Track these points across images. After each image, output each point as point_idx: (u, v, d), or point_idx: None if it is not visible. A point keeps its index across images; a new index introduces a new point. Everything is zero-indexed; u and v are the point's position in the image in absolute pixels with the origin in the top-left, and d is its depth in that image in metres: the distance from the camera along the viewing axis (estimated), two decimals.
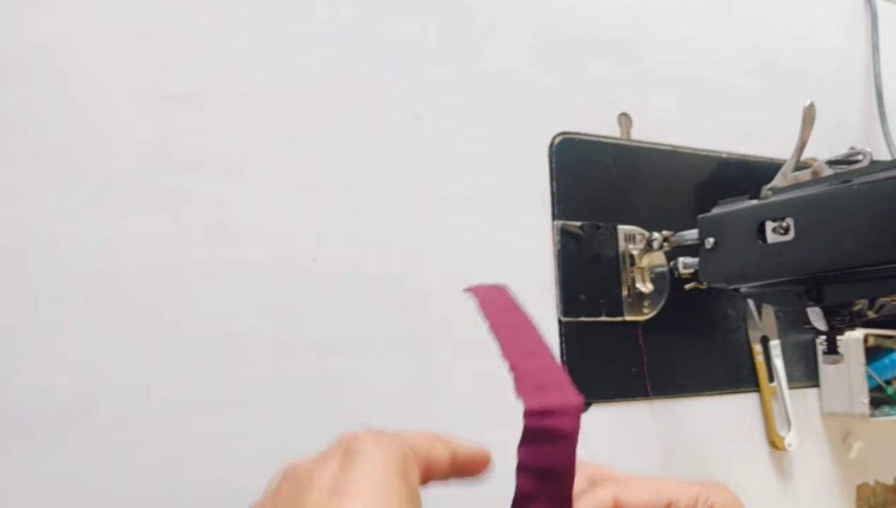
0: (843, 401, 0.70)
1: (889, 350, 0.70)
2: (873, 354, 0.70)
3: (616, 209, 0.64)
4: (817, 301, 0.51)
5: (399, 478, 0.22)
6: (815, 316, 0.53)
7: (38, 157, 0.44)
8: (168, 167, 0.47)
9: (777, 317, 0.70)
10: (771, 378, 0.69)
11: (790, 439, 0.68)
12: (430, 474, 0.25)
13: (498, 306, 0.27)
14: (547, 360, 0.25)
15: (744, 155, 0.71)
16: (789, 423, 0.68)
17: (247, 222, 0.49)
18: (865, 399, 0.68)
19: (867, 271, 0.47)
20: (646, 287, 0.63)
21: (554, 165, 0.61)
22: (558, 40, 0.63)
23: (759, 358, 0.68)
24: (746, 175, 0.70)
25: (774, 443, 0.68)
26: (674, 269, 0.61)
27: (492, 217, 0.58)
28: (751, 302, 0.69)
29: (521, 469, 0.23)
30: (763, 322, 0.69)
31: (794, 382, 0.71)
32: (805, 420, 0.71)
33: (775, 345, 0.69)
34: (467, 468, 0.27)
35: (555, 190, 0.61)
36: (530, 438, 0.23)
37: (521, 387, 0.24)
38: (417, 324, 0.53)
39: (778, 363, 0.69)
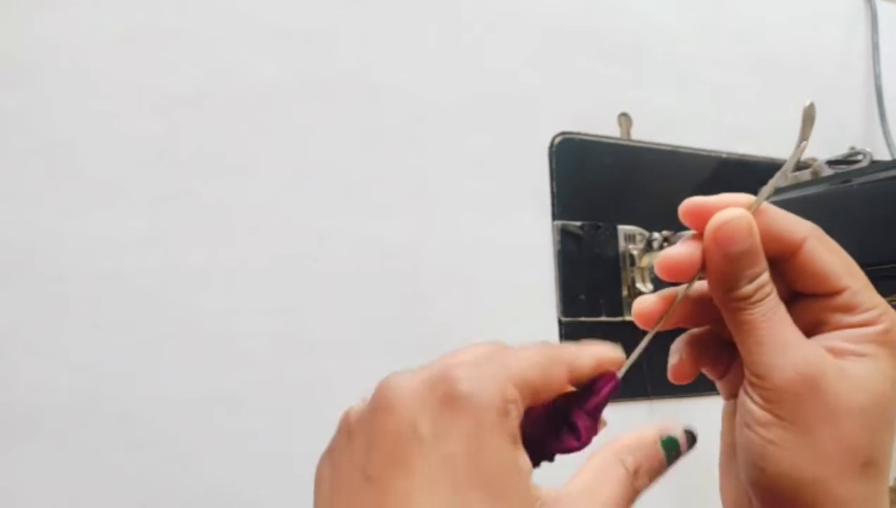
0: None
1: None
2: None
3: (616, 209, 0.64)
4: None
5: (501, 432, 0.20)
6: None
7: (39, 157, 0.44)
8: (168, 167, 0.47)
9: None
10: None
11: None
12: (537, 399, 0.22)
13: None
14: None
15: (744, 155, 0.71)
16: None
17: (247, 222, 0.49)
18: None
19: (867, 270, 0.47)
20: (646, 287, 0.63)
21: (554, 165, 0.61)
22: (558, 40, 0.63)
23: None
24: (746, 175, 0.70)
25: None
26: None
27: (492, 217, 0.58)
28: None
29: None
30: None
31: None
32: None
33: None
34: (588, 376, 0.25)
35: (555, 190, 0.61)
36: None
37: None
38: (417, 324, 0.53)
39: None
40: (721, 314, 0.27)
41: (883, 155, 0.76)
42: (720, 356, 0.29)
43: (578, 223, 0.62)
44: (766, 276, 0.27)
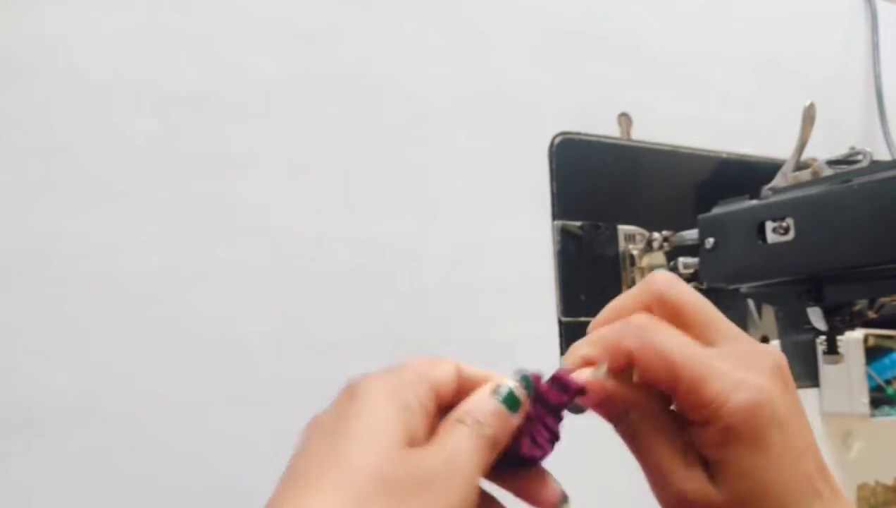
0: (843, 401, 0.70)
1: (889, 350, 0.70)
2: (873, 354, 0.70)
3: (616, 209, 0.64)
4: (817, 301, 0.51)
5: (396, 403, 0.24)
6: (816, 316, 0.53)
7: (38, 156, 0.44)
8: (168, 167, 0.47)
9: (777, 317, 0.70)
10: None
11: None
12: (441, 391, 0.26)
13: None
14: None
15: (744, 155, 0.71)
16: None
17: (247, 222, 0.49)
18: (865, 399, 0.68)
19: (867, 270, 0.47)
20: None
21: (554, 165, 0.61)
22: (558, 40, 0.63)
23: None
24: (746, 175, 0.70)
25: None
26: (674, 269, 0.61)
27: (492, 217, 0.58)
28: (751, 302, 0.69)
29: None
30: (763, 322, 0.69)
31: (794, 382, 0.71)
32: None
33: (775, 345, 0.69)
34: (476, 385, 0.27)
35: (555, 190, 0.61)
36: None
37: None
38: (417, 324, 0.53)
39: None
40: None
41: (883, 155, 0.76)
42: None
43: (578, 223, 0.61)
44: (633, 415, 0.28)
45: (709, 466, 0.26)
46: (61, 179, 0.44)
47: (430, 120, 0.56)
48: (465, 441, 0.24)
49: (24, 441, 0.41)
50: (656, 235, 0.62)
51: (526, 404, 0.27)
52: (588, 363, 0.28)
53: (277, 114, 0.51)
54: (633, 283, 0.63)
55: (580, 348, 0.29)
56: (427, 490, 0.22)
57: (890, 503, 0.75)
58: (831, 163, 0.51)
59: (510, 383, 0.27)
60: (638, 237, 0.63)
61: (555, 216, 0.61)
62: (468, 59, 0.59)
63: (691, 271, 0.59)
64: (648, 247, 0.62)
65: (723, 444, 0.26)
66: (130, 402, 0.44)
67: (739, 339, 0.28)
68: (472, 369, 0.28)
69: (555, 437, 0.28)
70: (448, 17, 0.59)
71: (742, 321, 0.69)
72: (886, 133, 0.78)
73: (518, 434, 0.27)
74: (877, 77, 0.81)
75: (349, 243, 0.50)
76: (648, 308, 0.29)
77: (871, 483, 0.75)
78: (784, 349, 0.71)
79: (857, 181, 0.47)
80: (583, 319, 0.61)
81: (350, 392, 0.25)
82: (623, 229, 0.63)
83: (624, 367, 0.28)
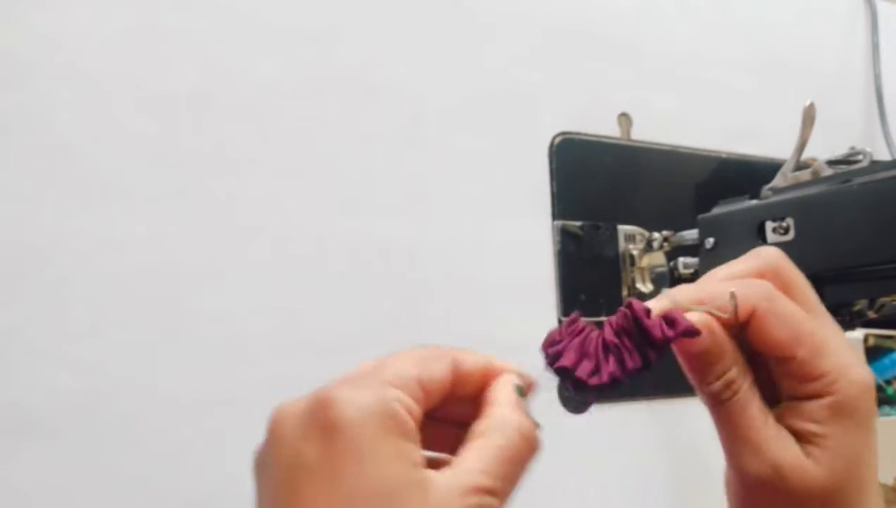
0: None
1: (889, 350, 0.70)
2: (873, 354, 0.70)
3: (616, 209, 0.64)
4: None
5: (395, 437, 0.21)
6: None
7: (38, 156, 0.44)
8: (168, 167, 0.47)
9: None
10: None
11: None
12: (431, 394, 0.23)
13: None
14: None
15: (744, 155, 0.71)
16: None
17: (247, 222, 0.49)
18: None
19: (867, 270, 0.47)
20: (646, 287, 0.63)
21: (554, 165, 0.61)
22: (558, 40, 0.63)
23: None
24: (746, 175, 0.70)
25: None
26: (674, 269, 0.61)
27: (492, 217, 0.58)
28: None
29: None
30: None
31: None
32: None
33: None
34: (478, 379, 0.25)
35: (555, 190, 0.61)
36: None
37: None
38: (417, 324, 0.53)
39: None
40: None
41: (883, 155, 0.76)
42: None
43: (578, 223, 0.61)
44: (733, 373, 0.26)
45: (803, 442, 0.25)
46: (61, 179, 0.44)
47: (430, 120, 0.56)
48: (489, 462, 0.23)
49: (24, 441, 0.41)
50: (656, 235, 0.62)
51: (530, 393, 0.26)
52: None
53: (277, 114, 0.51)
54: (633, 283, 0.63)
55: (693, 291, 0.27)
56: None
57: (890, 502, 0.75)
58: (831, 163, 0.51)
59: (519, 382, 0.26)
60: (638, 237, 0.63)
61: (555, 216, 0.61)
62: (468, 59, 0.59)
63: (691, 271, 0.59)
64: (648, 247, 0.62)
65: (830, 419, 0.25)
66: (130, 402, 0.44)
67: (837, 327, 0.27)
68: (470, 359, 0.26)
69: (644, 366, 0.26)
70: (448, 17, 0.59)
71: None
72: (886, 133, 0.78)
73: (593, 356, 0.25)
74: (877, 77, 0.81)
75: (349, 243, 0.50)
76: (762, 277, 0.27)
77: None
78: None
79: (857, 181, 0.47)
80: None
81: (330, 427, 0.21)
82: (623, 228, 0.63)
83: (739, 324, 0.26)
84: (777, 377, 0.27)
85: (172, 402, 0.45)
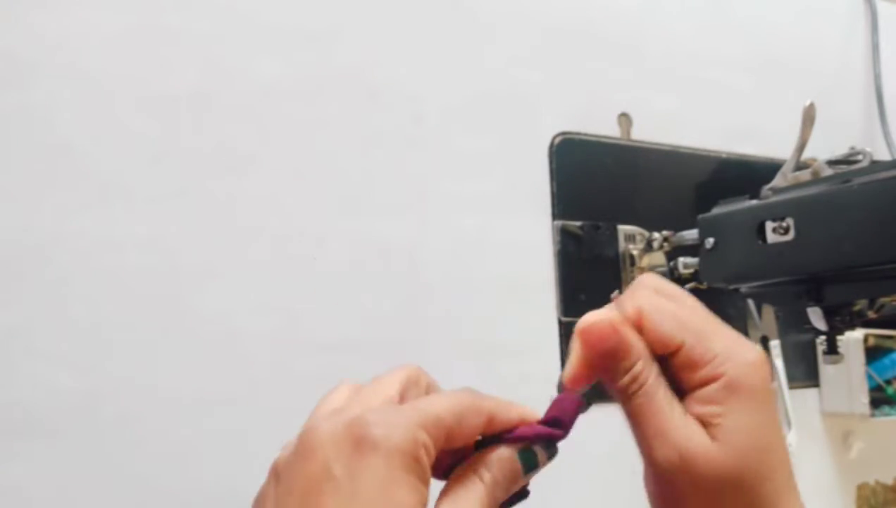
0: (843, 401, 0.70)
1: (889, 350, 0.70)
2: (873, 354, 0.70)
3: (616, 209, 0.64)
4: (817, 301, 0.51)
5: (407, 473, 0.22)
6: (816, 316, 0.53)
7: (39, 157, 0.44)
8: (168, 167, 0.47)
9: (777, 317, 0.70)
10: (771, 378, 0.69)
11: (790, 438, 0.67)
12: (453, 443, 0.24)
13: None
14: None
15: (744, 155, 0.71)
16: (789, 423, 0.68)
17: (247, 222, 0.49)
18: (865, 399, 0.68)
19: (867, 270, 0.47)
20: None
21: (554, 166, 0.61)
22: (558, 40, 0.63)
23: None
24: (746, 175, 0.70)
25: None
26: (674, 269, 0.61)
27: (492, 217, 0.58)
28: (751, 302, 0.69)
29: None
30: (763, 322, 0.69)
31: (794, 382, 0.71)
32: (805, 420, 0.71)
33: (775, 345, 0.69)
34: (505, 430, 0.26)
35: (555, 190, 0.61)
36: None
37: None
38: (417, 324, 0.53)
39: (778, 363, 0.69)
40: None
41: (883, 155, 0.76)
42: None
43: (578, 223, 0.61)
44: (639, 366, 0.27)
45: (708, 427, 0.26)
46: (62, 179, 0.44)
47: (430, 120, 0.56)
48: (479, 503, 0.24)
49: (24, 441, 0.41)
50: (656, 235, 0.62)
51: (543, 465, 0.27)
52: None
53: (278, 114, 0.51)
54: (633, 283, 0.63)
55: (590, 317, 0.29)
56: None
57: (890, 502, 0.75)
58: (831, 163, 0.51)
59: (535, 447, 0.26)
60: (638, 237, 0.63)
61: (555, 216, 0.61)
62: (468, 59, 0.59)
63: (691, 271, 0.59)
64: (648, 247, 0.62)
65: (727, 399, 0.26)
66: (130, 402, 0.44)
67: (719, 320, 0.28)
68: (505, 416, 0.26)
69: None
70: (448, 17, 0.59)
71: (742, 320, 0.69)
72: (886, 133, 0.78)
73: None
74: (877, 77, 0.81)
75: (349, 243, 0.50)
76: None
77: (871, 482, 0.75)
78: (784, 349, 0.71)
79: (857, 181, 0.47)
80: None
81: (361, 443, 0.22)
82: (623, 228, 0.63)
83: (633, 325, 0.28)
84: (676, 373, 0.28)
85: (172, 402, 0.45)
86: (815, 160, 0.52)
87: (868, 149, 0.50)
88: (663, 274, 0.64)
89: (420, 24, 0.57)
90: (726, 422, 0.26)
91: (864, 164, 0.49)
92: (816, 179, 0.51)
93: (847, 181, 0.47)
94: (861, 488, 0.74)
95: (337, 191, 0.52)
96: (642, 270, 0.63)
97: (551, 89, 0.62)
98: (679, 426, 0.26)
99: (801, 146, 0.54)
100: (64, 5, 0.45)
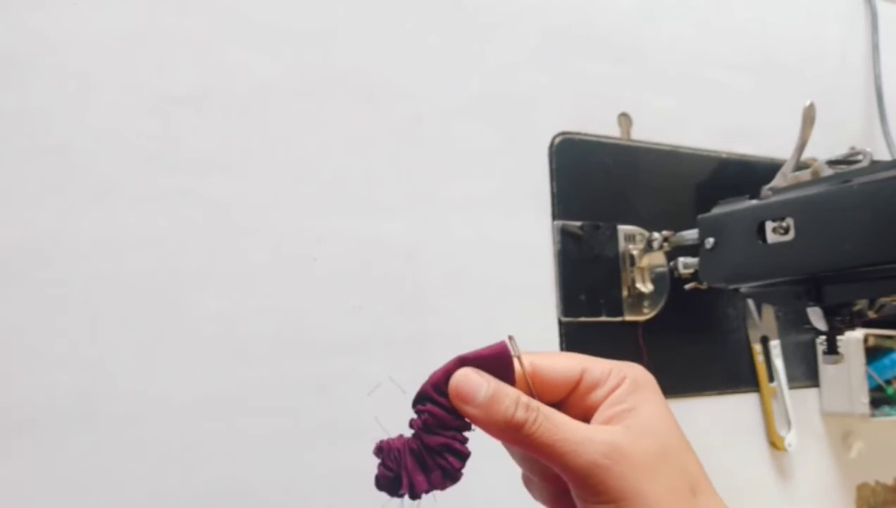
0: (843, 401, 0.70)
1: (889, 350, 0.70)
2: (873, 354, 0.70)
3: (616, 209, 0.64)
4: (817, 301, 0.51)
5: None
6: (816, 316, 0.53)
7: (38, 157, 0.44)
8: (168, 167, 0.47)
9: (777, 317, 0.70)
10: (771, 378, 0.69)
11: (790, 439, 0.67)
12: None
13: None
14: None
15: (744, 155, 0.71)
16: (789, 423, 0.68)
17: (247, 222, 0.49)
18: (865, 399, 0.68)
19: (867, 270, 0.47)
20: (646, 287, 0.63)
21: (554, 166, 0.61)
22: (558, 41, 0.63)
23: (760, 358, 0.68)
24: (746, 175, 0.70)
25: (774, 443, 0.67)
26: (674, 269, 0.61)
27: (492, 217, 0.58)
28: (751, 302, 0.69)
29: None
30: (763, 322, 0.69)
31: (794, 382, 0.71)
32: (805, 420, 0.71)
33: (775, 345, 0.69)
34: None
35: (555, 190, 0.61)
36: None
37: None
38: (417, 324, 0.53)
39: (778, 362, 0.69)
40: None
41: (883, 155, 0.76)
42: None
43: (578, 223, 0.61)
44: (524, 396, 0.30)
45: (620, 423, 0.30)
46: (61, 180, 0.44)
47: (430, 120, 0.56)
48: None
49: (24, 441, 0.41)
50: (656, 235, 0.62)
51: None
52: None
53: (277, 114, 0.51)
54: (632, 283, 0.63)
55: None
56: None
57: (890, 502, 0.75)
58: (831, 163, 0.51)
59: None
60: (638, 237, 0.63)
61: (555, 216, 0.61)
62: (468, 60, 0.59)
63: (691, 271, 0.59)
64: (648, 247, 0.62)
65: (632, 395, 0.31)
66: (130, 402, 0.44)
67: None
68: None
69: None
70: (448, 17, 0.59)
71: (742, 320, 0.69)
72: (886, 133, 0.78)
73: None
74: (877, 77, 0.81)
75: (349, 243, 0.50)
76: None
77: (871, 482, 0.75)
78: (784, 349, 0.71)
79: (857, 181, 0.47)
80: (583, 319, 0.61)
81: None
82: (623, 228, 0.63)
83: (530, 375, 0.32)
84: (582, 398, 0.31)
85: (172, 402, 0.45)
86: (815, 160, 0.52)
87: (868, 149, 0.50)
88: (663, 274, 0.64)
89: (420, 25, 0.57)
90: (639, 412, 0.30)
91: (864, 164, 0.49)
92: (816, 180, 0.51)
93: (847, 181, 0.47)
94: (861, 488, 0.74)
95: (337, 191, 0.52)
96: (642, 270, 0.63)
97: (551, 89, 0.62)
98: (592, 430, 0.29)
99: (801, 146, 0.54)
100: (64, 6, 0.45)
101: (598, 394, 0.30)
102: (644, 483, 0.28)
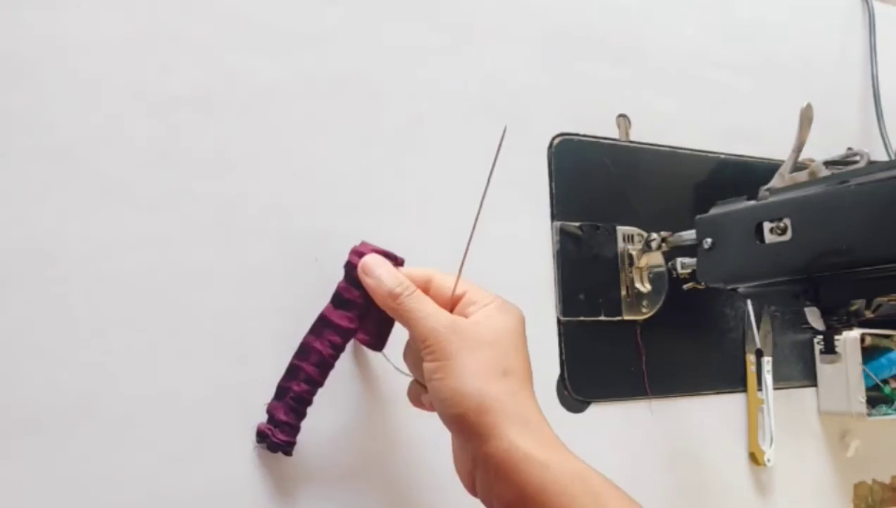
0: (840, 400, 0.70)
1: (886, 350, 0.71)
2: (870, 353, 0.70)
3: (615, 210, 0.64)
4: (815, 301, 0.51)
5: None
6: (813, 316, 0.53)
7: (40, 157, 0.44)
8: (169, 168, 0.47)
9: (774, 317, 0.71)
10: (760, 388, 0.68)
11: (769, 454, 0.67)
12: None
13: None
14: None
15: (742, 156, 0.72)
16: (771, 439, 0.67)
17: (248, 223, 0.49)
18: (862, 399, 0.68)
19: (864, 271, 0.47)
20: (644, 287, 0.63)
21: (553, 166, 0.61)
22: (557, 41, 0.64)
23: (752, 368, 0.68)
24: (744, 176, 0.70)
25: (755, 456, 0.67)
26: (672, 269, 0.62)
27: (491, 218, 0.58)
28: (750, 312, 0.69)
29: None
30: (760, 335, 0.69)
31: (791, 381, 0.71)
32: (802, 420, 0.72)
33: (767, 361, 0.69)
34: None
35: (554, 191, 0.61)
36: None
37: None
38: None
39: (768, 378, 0.68)
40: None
41: (880, 156, 0.77)
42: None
43: (577, 224, 0.62)
44: (406, 279, 0.42)
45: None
46: (62, 181, 0.44)
47: (429, 121, 0.57)
48: None
49: (25, 441, 0.42)
50: (654, 235, 0.62)
51: None
52: None
53: (278, 114, 0.51)
54: (631, 283, 0.63)
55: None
56: None
57: (887, 501, 0.76)
58: (829, 163, 0.51)
59: None
60: (636, 237, 0.64)
61: (554, 217, 0.61)
62: (468, 61, 0.59)
63: (689, 271, 0.60)
64: (647, 247, 0.63)
65: (477, 300, 0.43)
66: (130, 402, 0.44)
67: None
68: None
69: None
70: (448, 18, 0.59)
71: (740, 321, 0.69)
72: (884, 134, 0.78)
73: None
74: (874, 78, 0.81)
75: (349, 244, 0.50)
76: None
77: (868, 481, 0.75)
78: (782, 348, 0.71)
79: (854, 182, 0.47)
80: (582, 318, 0.61)
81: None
82: (622, 229, 0.64)
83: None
84: (464, 311, 0.43)
85: (173, 402, 0.45)
86: (812, 161, 0.52)
87: (865, 150, 0.50)
88: (661, 274, 0.64)
89: (420, 25, 0.58)
90: (490, 318, 0.41)
91: (862, 164, 0.50)
92: (814, 180, 0.51)
93: (844, 182, 0.48)
94: (858, 487, 0.74)
95: (337, 191, 0.52)
96: (640, 270, 0.63)
97: (550, 90, 0.62)
98: (444, 312, 0.41)
99: (799, 147, 0.54)
100: (65, 6, 0.45)
101: (472, 308, 0.41)
102: (464, 352, 0.38)
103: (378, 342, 0.46)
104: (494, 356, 0.38)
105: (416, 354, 0.42)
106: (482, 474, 0.37)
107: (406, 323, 0.40)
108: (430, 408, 0.42)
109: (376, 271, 0.43)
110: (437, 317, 0.39)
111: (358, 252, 0.45)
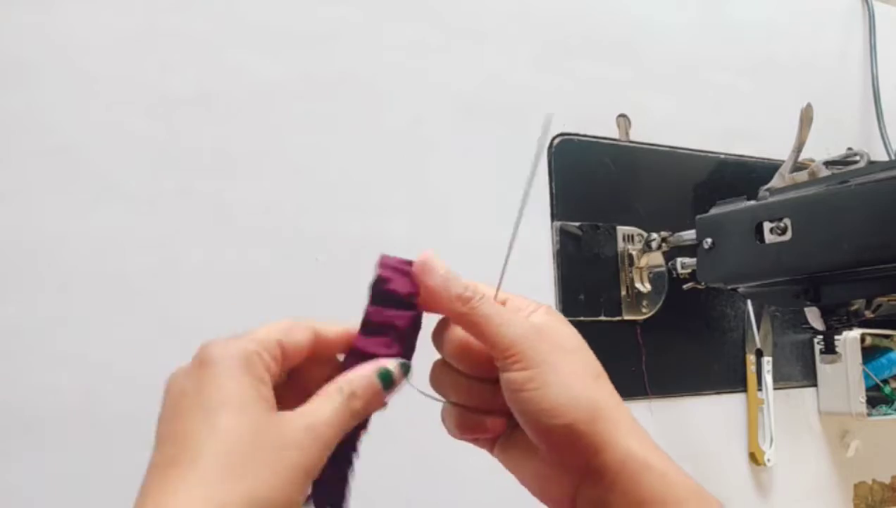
0: (840, 400, 0.70)
1: (886, 350, 0.71)
2: (870, 353, 0.70)
3: (615, 210, 0.64)
4: (815, 301, 0.51)
5: (243, 373, 0.28)
6: (813, 316, 0.53)
7: (41, 157, 0.44)
8: (170, 168, 0.47)
9: (773, 327, 0.70)
10: (760, 388, 0.68)
11: (770, 454, 0.67)
12: (290, 356, 0.31)
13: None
14: None
15: (741, 156, 0.72)
16: (771, 439, 0.67)
17: (249, 223, 0.49)
18: (862, 399, 0.68)
19: (864, 271, 0.47)
20: (644, 287, 0.63)
21: (553, 166, 0.61)
22: (558, 42, 0.64)
23: (752, 368, 0.68)
24: (744, 176, 0.70)
25: (755, 456, 0.67)
26: (672, 269, 0.62)
27: (491, 217, 0.58)
28: (751, 313, 0.69)
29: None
30: (760, 335, 0.69)
31: (791, 381, 0.71)
32: (803, 420, 0.72)
33: (768, 361, 0.69)
34: (338, 344, 0.34)
35: (554, 191, 0.61)
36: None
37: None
38: None
39: (768, 378, 0.68)
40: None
41: (880, 155, 0.77)
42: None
43: (577, 224, 0.62)
44: (474, 282, 0.36)
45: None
46: (63, 180, 0.44)
47: (430, 121, 0.57)
48: (331, 410, 0.29)
49: (24, 441, 0.42)
50: (654, 235, 0.62)
51: (400, 385, 0.32)
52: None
53: (278, 115, 0.51)
54: (631, 282, 0.63)
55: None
56: (288, 451, 0.27)
57: (887, 501, 0.76)
58: (829, 164, 0.51)
59: (390, 365, 0.32)
60: (636, 237, 0.64)
61: (554, 217, 0.61)
62: (468, 62, 0.59)
63: (689, 271, 0.60)
64: (647, 247, 0.63)
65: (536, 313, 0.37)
66: (130, 402, 0.44)
67: None
68: (332, 328, 0.34)
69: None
70: (448, 19, 0.59)
71: (740, 320, 0.69)
72: (883, 134, 0.78)
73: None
74: (874, 78, 0.81)
75: (349, 243, 0.50)
76: None
77: (869, 481, 0.75)
78: (782, 348, 0.71)
79: (854, 182, 0.47)
80: (582, 318, 0.61)
81: (202, 362, 0.28)
82: (622, 229, 0.64)
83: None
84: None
85: None
86: (812, 161, 0.52)
87: (865, 150, 0.50)
88: (661, 274, 0.64)
89: (420, 26, 0.58)
90: (555, 319, 0.36)
91: (862, 164, 0.50)
92: (814, 180, 0.51)
93: (844, 182, 0.48)
94: (858, 487, 0.74)
95: (337, 191, 0.52)
96: (640, 270, 0.63)
97: (550, 91, 0.62)
98: (521, 315, 0.36)
99: (799, 147, 0.54)
100: (65, 7, 0.45)
101: (522, 314, 0.36)
102: (558, 357, 0.34)
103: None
104: (584, 360, 0.35)
105: (455, 374, 0.37)
106: (591, 488, 0.33)
107: (479, 331, 0.34)
108: (492, 431, 0.36)
109: (440, 270, 0.36)
110: (519, 322, 0.35)
111: (390, 266, 0.38)
